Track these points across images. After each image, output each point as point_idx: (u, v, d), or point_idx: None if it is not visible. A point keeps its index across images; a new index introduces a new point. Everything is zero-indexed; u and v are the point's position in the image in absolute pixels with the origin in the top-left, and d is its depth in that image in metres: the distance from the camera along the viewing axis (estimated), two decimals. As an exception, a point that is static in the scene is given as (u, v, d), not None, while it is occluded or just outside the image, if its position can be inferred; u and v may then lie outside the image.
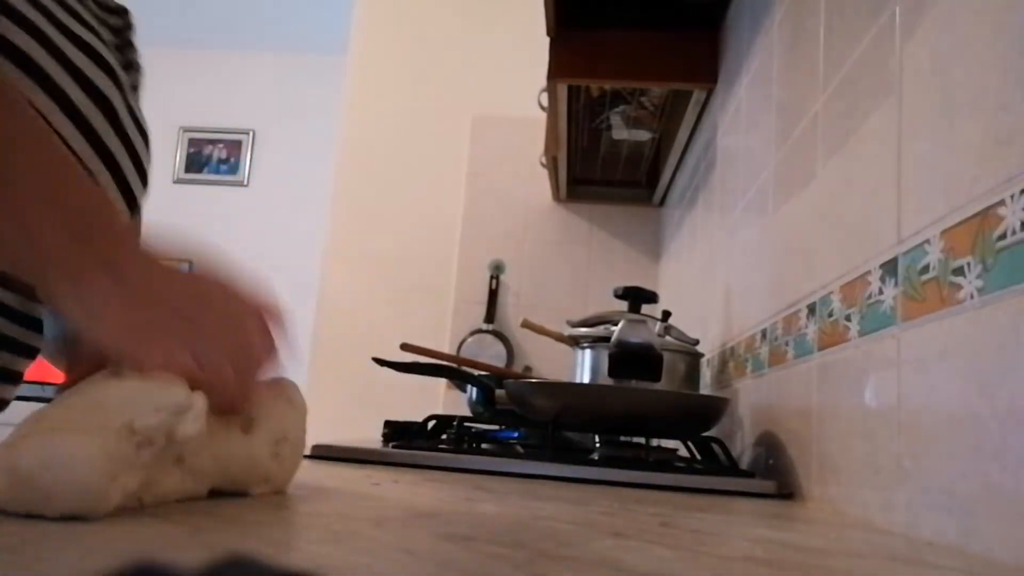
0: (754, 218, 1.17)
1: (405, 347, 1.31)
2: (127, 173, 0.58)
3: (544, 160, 2.16)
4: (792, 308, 0.92)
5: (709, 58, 1.57)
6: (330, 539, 0.33)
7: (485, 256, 2.46)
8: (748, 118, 1.28)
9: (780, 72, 1.09)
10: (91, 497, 0.33)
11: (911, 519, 0.58)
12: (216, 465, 0.41)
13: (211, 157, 4.13)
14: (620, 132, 1.96)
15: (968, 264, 0.52)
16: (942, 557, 0.47)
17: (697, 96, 1.64)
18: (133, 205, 0.60)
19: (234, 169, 4.12)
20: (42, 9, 0.52)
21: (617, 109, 1.85)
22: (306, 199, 3.90)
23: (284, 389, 0.48)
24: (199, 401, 0.37)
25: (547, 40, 1.59)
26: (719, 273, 1.43)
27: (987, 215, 0.50)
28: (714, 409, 1.05)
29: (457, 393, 2.19)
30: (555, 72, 1.60)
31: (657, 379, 1.10)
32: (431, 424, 1.24)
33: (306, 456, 0.92)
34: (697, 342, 1.23)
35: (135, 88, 0.71)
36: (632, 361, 1.10)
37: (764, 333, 1.05)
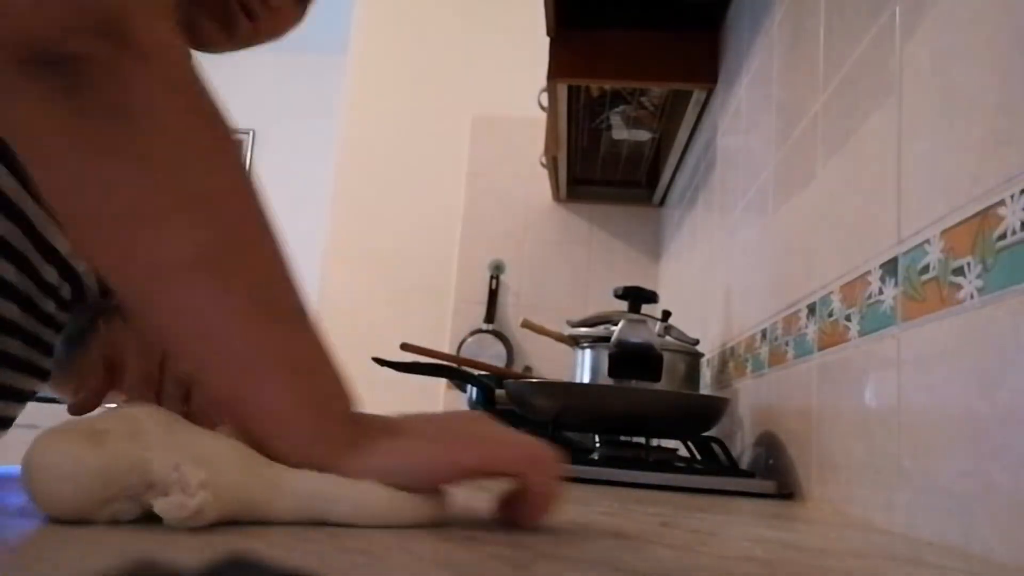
0: (754, 218, 1.17)
1: (405, 347, 1.31)
2: None
3: (544, 160, 2.16)
4: (792, 308, 0.92)
5: (709, 58, 1.57)
6: (330, 539, 0.33)
7: (485, 256, 2.46)
8: (748, 118, 1.28)
9: (780, 72, 1.09)
10: (73, 510, 0.33)
11: (911, 519, 0.58)
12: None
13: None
14: (620, 132, 1.96)
15: (968, 264, 0.52)
16: (942, 557, 0.47)
17: (697, 96, 1.64)
18: None
19: (234, 169, 4.12)
20: None
21: (617, 109, 1.85)
22: (306, 199, 3.89)
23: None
24: (197, 500, 0.33)
25: (547, 40, 1.59)
26: (719, 273, 1.43)
27: (987, 215, 0.50)
28: (714, 409, 1.05)
29: (457, 393, 2.19)
30: (555, 72, 1.60)
31: (657, 379, 1.10)
32: (431, 424, 1.24)
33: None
34: (697, 342, 1.23)
35: None
36: (632, 361, 1.10)
37: (764, 333, 1.05)
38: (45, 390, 0.63)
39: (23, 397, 0.60)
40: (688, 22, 1.57)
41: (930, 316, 0.57)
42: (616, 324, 1.13)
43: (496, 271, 2.45)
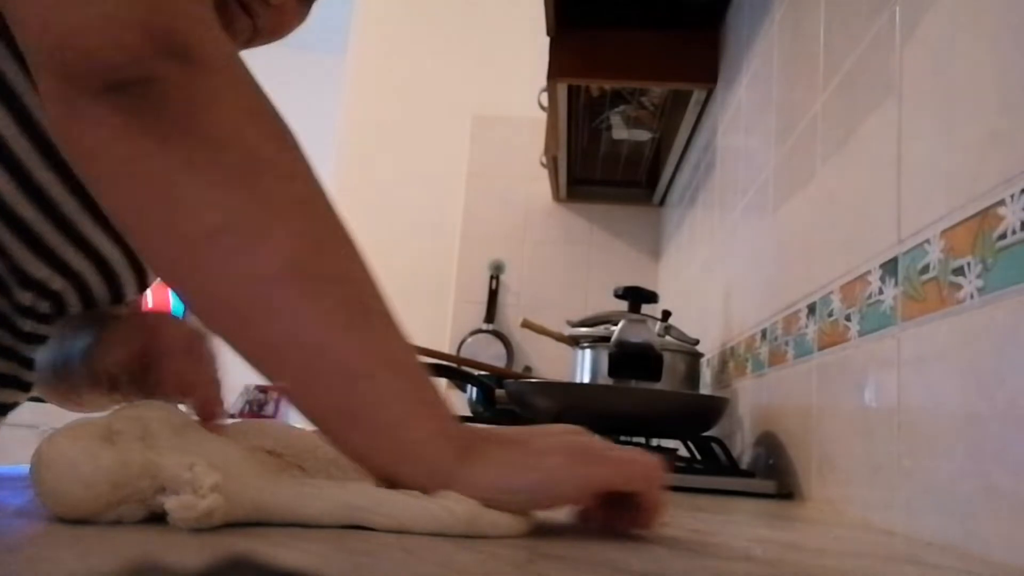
0: (754, 218, 1.17)
1: (405, 347, 1.31)
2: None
3: (544, 160, 2.16)
4: (792, 308, 0.92)
5: (709, 58, 1.57)
6: (330, 539, 0.33)
7: (485, 256, 2.46)
8: (748, 118, 1.28)
9: (780, 72, 1.09)
10: (82, 509, 0.33)
11: (911, 519, 0.58)
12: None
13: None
14: (620, 132, 1.96)
15: (968, 264, 0.52)
16: (942, 557, 0.47)
17: (697, 96, 1.64)
18: (142, 280, 0.60)
19: (234, 169, 4.12)
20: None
21: (617, 109, 1.85)
22: (306, 199, 3.89)
23: None
24: (207, 502, 0.32)
25: (547, 40, 1.59)
26: (719, 273, 1.43)
27: (987, 215, 0.50)
28: (714, 409, 1.05)
29: (457, 393, 2.19)
30: (555, 72, 1.60)
31: (657, 379, 1.10)
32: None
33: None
34: (697, 342, 1.23)
35: None
36: (632, 361, 1.10)
37: (764, 333, 1.05)
38: (22, 401, 0.63)
39: (4, 410, 0.60)
40: (688, 22, 1.57)
41: (930, 316, 0.57)
42: (616, 324, 1.13)
43: (496, 271, 2.45)
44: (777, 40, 1.11)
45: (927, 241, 0.58)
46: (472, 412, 1.41)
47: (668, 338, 1.16)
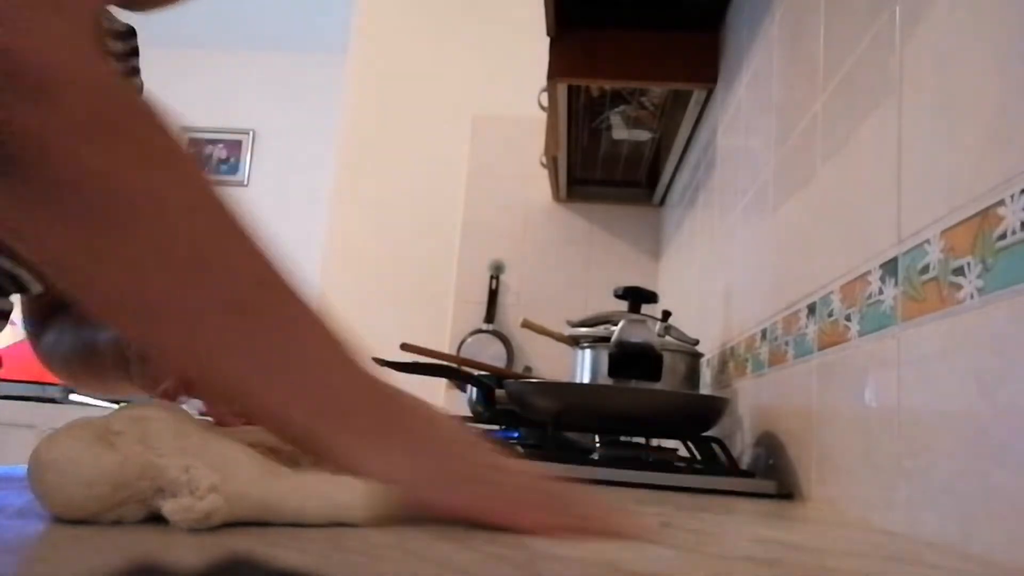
0: (754, 218, 1.17)
1: (405, 347, 1.31)
2: None
3: (544, 160, 2.16)
4: (792, 308, 0.92)
5: (709, 58, 1.57)
6: (330, 539, 0.33)
7: (485, 256, 2.46)
8: (748, 118, 1.28)
9: (780, 72, 1.09)
10: (82, 510, 0.33)
11: (911, 519, 0.58)
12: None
13: (211, 157, 4.13)
14: (620, 132, 1.96)
15: (968, 264, 0.52)
16: (942, 557, 0.47)
17: (697, 96, 1.64)
18: None
19: (234, 169, 4.12)
20: None
21: (617, 109, 1.84)
22: (306, 199, 3.90)
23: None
24: (206, 503, 0.33)
25: (547, 40, 1.59)
26: (719, 273, 1.43)
27: (987, 215, 0.50)
28: (714, 409, 1.05)
29: (457, 393, 2.19)
30: (555, 72, 1.60)
31: (657, 379, 1.10)
32: (431, 424, 1.24)
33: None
34: (697, 342, 1.23)
35: None
36: (632, 361, 1.10)
37: (764, 333, 1.05)
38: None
39: None
40: (688, 22, 1.57)
41: (930, 316, 0.57)
42: (616, 324, 1.13)
43: (496, 271, 2.45)
44: (777, 40, 1.11)
45: (927, 241, 0.58)
46: (472, 412, 1.41)
47: (668, 338, 1.16)
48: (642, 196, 2.40)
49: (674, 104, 1.80)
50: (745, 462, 1.08)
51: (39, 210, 0.35)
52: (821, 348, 0.82)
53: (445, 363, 1.37)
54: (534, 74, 1.79)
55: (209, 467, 0.34)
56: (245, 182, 4.10)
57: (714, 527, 0.54)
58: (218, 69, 4.13)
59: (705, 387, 1.38)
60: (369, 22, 2.73)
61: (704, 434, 1.05)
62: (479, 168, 2.53)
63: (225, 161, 4.12)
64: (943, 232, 0.56)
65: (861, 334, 0.71)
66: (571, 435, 1.19)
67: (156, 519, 0.34)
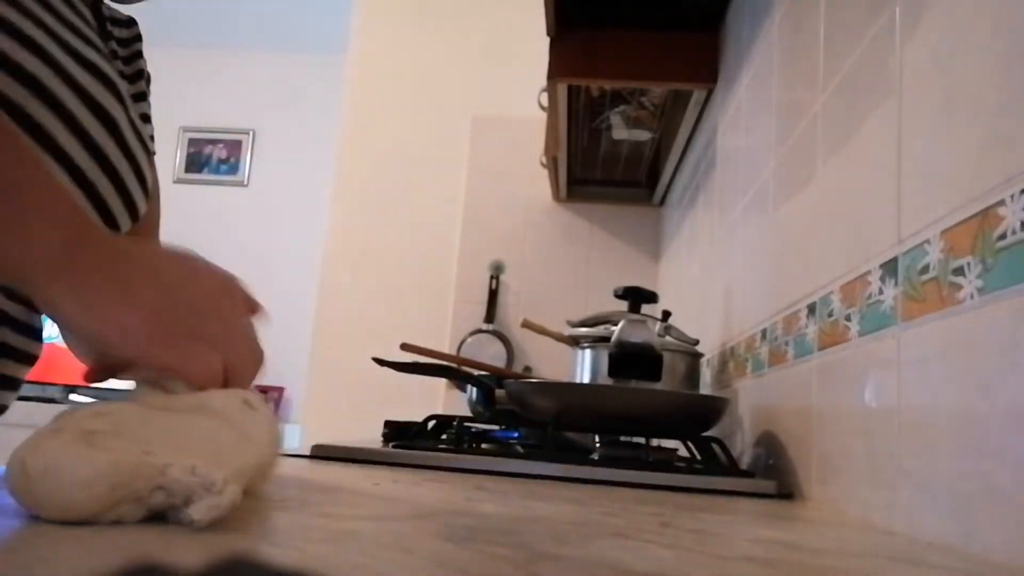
0: (754, 218, 1.17)
1: (405, 347, 1.31)
2: (128, 183, 0.60)
3: (544, 160, 2.16)
4: (792, 308, 0.92)
5: (709, 58, 1.57)
6: (330, 539, 0.33)
7: (485, 256, 2.46)
8: (748, 118, 1.28)
9: (780, 72, 1.09)
10: (81, 514, 0.33)
11: (911, 519, 0.58)
12: None
13: (211, 157, 4.13)
14: (620, 132, 1.96)
15: (968, 264, 0.52)
16: (942, 557, 0.47)
17: (697, 96, 1.64)
18: (134, 212, 0.62)
19: (234, 169, 4.12)
20: (46, 29, 0.53)
21: (617, 109, 1.85)
22: (306, 199, 3.90)
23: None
24: (228, 497, 0.33)
25: (547, 40, 1.59)
26: (719, 273, 1.43)
27: (987, 215, 0.50)
28: (714, 409, 1.05)
29: (457, 393, 2.19)
30: (555, 72, 1.60)
31: (657, 379, 1.10)
32: (431, 424, 1.24)
33: (306, 456, 0.92)
34: (697, 342, 1.23)
35: (144, 96, 0.73)
36: (632, 361, 1.10)
37: (764, 333, 1.05)
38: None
39: (15, 384, 0.61)
40: (688, 22, 1.57)
41: (930, 316, 0.57)
42: (616, 324, 1.13)
43: (496, 271, 2.45)
44: (777, 40, 1.11)
45: (927, 241, 0.58)
46: (472, 412, 1.41)
47: (668, 338, 1.16)
48: (642, 196, 2.40)
49: (674, 104, 1.80)
50: (745, 462, 1.08)
51: None
52: (821, 348, 0.82)
53: (445, 363, 1.37)
54: (534, 74, 1.79)
55: (191, 453, 0.35)
56: (245, 182, 4.10)
57: (714, 527, 0.54)
58: (218, 69, 4.13)
59: (705, 387, 1.38)
60: (369, 22, 2.73)
61: (704, 434, 1.05)
62: (479, 168, 2.53)
63: (225, 161, 4.12)
64: (943, 232, 0.56)
65: (861, 334, 0.71)
66: (571, 435, 1.19)
67: (156, 519, 0.34)
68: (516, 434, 1.26)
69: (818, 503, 0.80)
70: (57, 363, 1.95)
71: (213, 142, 4.13)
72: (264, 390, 3.62)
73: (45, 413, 0.69)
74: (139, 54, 0.74)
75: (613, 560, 0.34)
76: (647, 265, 2.41)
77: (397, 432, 1.26)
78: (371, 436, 1.31)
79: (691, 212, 1.84)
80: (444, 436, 1.20)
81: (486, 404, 1.36)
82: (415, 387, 2.06)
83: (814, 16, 0.93)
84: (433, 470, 0.87)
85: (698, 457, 1.07)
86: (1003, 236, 0.48)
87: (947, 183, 0.56)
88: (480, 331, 2.40)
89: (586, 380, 1.16)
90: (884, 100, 0.69)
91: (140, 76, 0.73)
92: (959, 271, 0.53)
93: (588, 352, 1.18)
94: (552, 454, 0.94)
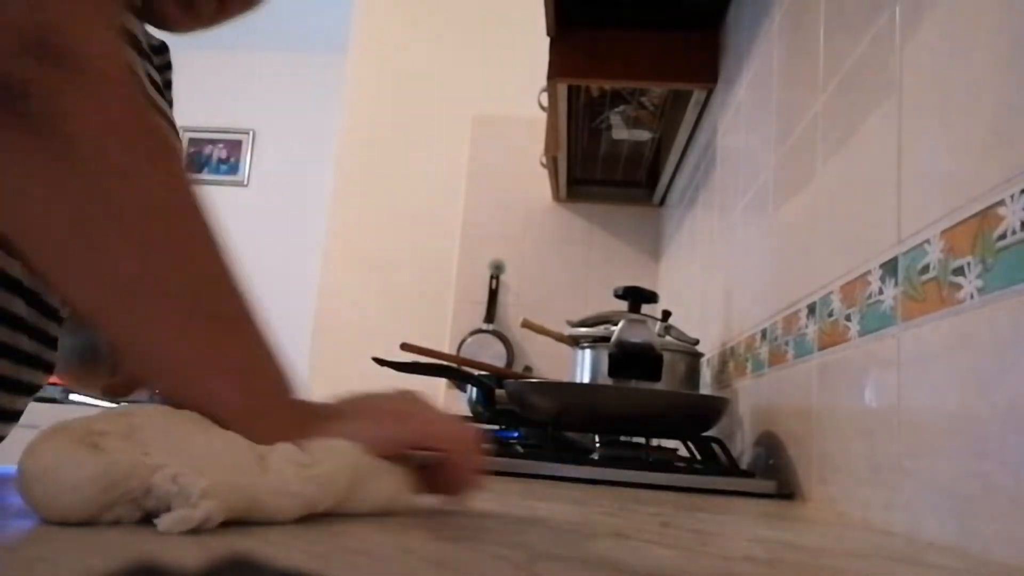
0: (754, 218, 1.17)
1: (405, 347, 1.31)
2: None
3: (544, 160, 2.16)
4: (792, 308, 0.92)
5: (709, 58, 1.57)
6: (330, 539, 0.33)
7: (485, 256, 2.46)
8: (748, 118, 1.28)
9: (780, 72, 1.09)
10: (74, 516, 0.33)
11: (911, 519, 0.58)
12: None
13: (211, 157, 4.13)
14: (620, 132, 1.96)
15: (968, 264, 0.52)
16: (942, 557, 0.47)
17: (697, 96, 1.64)
18: None
19: (234, 169, 4.12)
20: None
21: (617, 109, 1.85)
22: (306, 199, 3.90)
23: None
24: (201, 511, 0.32)
25: (547, 40, 1.59)
26: (719, 273, 1.43)
27: (987, 215, 0.50)
28: (714, 409, 1.05)
29: (457, 393, 2.19)
30: (555, 72, 1.60)
31: (657, 379, 1.10)
32: (431, 424, 1.24)
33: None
34: (697, 342, 1.23)
35: (174, 126, 0.73)
36: (632, 361, 1.10)
37: (764, 333, 1.05)
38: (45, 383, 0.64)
39: (31, 390, 0.61)
40: (688, 22, 1.57)
41: (930, 316, 0.57)
42: (616, 324, 1.13)
43: (496, 271, 2.45)
44: (777, 40, 1.11)
45: (927, 241, 0.58)
46: (472, 412, 1.41)
47: (668, 338, 1.16)
48: (642, 196, 2.40)
49: (674, 104, 1.80)
50: (745, 462, 1.08)
51: (42, 170, 0.37)
52: (821, 348, 0.82)
53: (445, 363, 1.37)
54: (534, 74, 1.79)
55: (195, 463, 0.34)
56: (245, 182, 4.10)
57: (714, 527, 0.54)
58: (218, 69, 4.13)
59: (705, 387, 1.38)
60: (369, 22, 2.73)
61: (704, 434, 1.05)
62: (479, 168, 2.53)
63: (225, 161, 4.12)
64: (943, 232, 0.56)
65: (861, 334, 0.71)
66: (571, 435, 1.19)
67: (154, 518, 0.33)
68: (516, 434, 1.26)
69: (818, 503, 0.80)
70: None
71: (213, 142, 4.13)
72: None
73: (46, 413, 0.69)
74: (169, 84, 0.73)
75: (613, 560, 0.34)
76: (647, 265, 2.41)
77: (397, 432, 1.25)
78: (371, 436, 1.31)
79: (691, 212, 1.84)
80: (444, 436, 1.20)
81: (486, 404, 1.36)
82: (415, 387, 2.06)
83: (814, 16, 0.93)
84: (433, 470, 0.87)
85: (698, 457, 1.07)
86: (1003, 236, 0.48)
87: (947, 183, 0.56)
88: (480, 331, 2.40)
89: (586, 380, 1.16)
90: (884, 100, 0.69)
91: (170, 106, 0.73)
92: (959, 271, 0.53)
93: (588, 352, 1.18)
94: (552, 454, 0.94)
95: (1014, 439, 0.45)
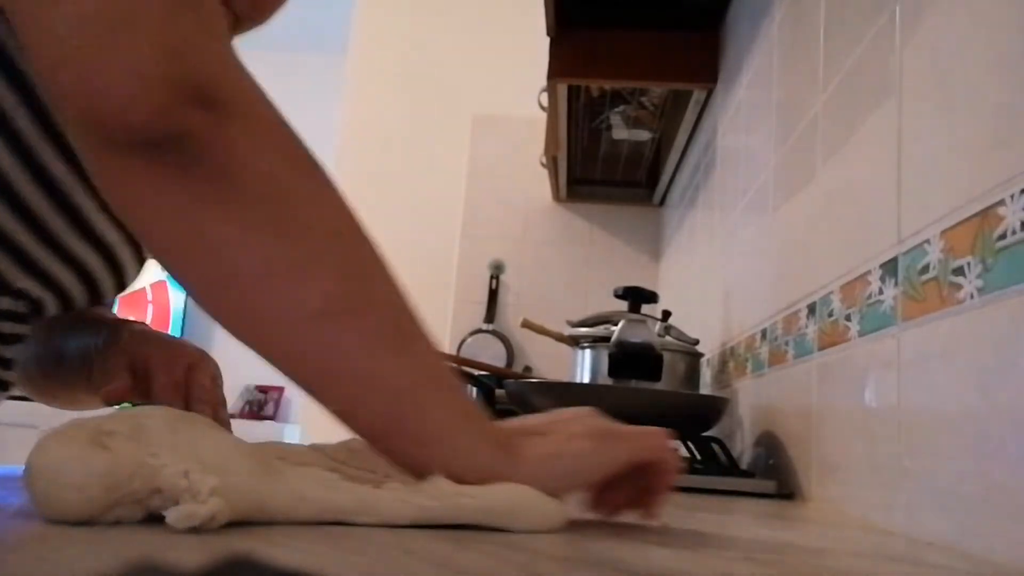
0: (754, 218, 1.17)
1: (405, 347, 1.31)
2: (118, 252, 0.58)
3: (544, 160, 2.16)
4: (792, 308, 0.92)
5: (709, 58, 1.57)
6: (330, 539, 0.33)
7: (485, 256, 2.46)
8: (748, 118, 1.28)
9: (780, 72, 1.09)
10: (77, 514, 0.33)
11: (911, 519, 0.58)
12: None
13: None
14: (620, 132, 1.96)
15: (968, 264, 0.52)
16: (942, 557, 0.47)
17: (697, 96, 1.64)
18: (121, 286, 0.61)
19: (234, 169, 4.12)
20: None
21: (617, 109, 1.85)
22: (306, 199, 3.89)
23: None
24: (208, 508, 0.32)
25: (547, 40, 1.59)
26: (719, 273, 1.43)
27: (987, 215, 0.50)
28: (714, 409, 1.05)
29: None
30: (555, 72, 1.60)
31: (657, 379, 1.10)
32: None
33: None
34: (697, 342, 1.23)
35: None
36: (632, 361, 1.10)
37: (764, 333, 1.05)
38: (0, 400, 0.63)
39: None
40: (688, 22, 1.57)
41: (930, 316, 0.57)
42: (616, 324, 1.13)
43: (496, 271, 2.45)
44: (777, 40, 1.11)
45: (927, 241, 0.58)
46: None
47: (668, 338, 1.16)
48: (642, 196, 2.40)
49: (674, 104, 1.80)
50: (745, 462, 1.08)
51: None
52: (821, 348, 0.82)
53: (445, 363, 1.37)
54: (534, 74, 1.79)
55: (202, 464, 0.34)
56: (245, 182, 4.10)
57: (714, 527, 0.54)
58: (218, 69, 4.12)
59: (705, 387, 1.38)
60: (369, 22, 2.73)
61: (704, 434, 1.05)
62: (479, 168, 2.53)
63: (225, 161, 4.12)
64: (943, 232, 0.56)
65: (861, 334, 0.71)
66: (571, 435, 1.18)
67: (156, 519, 0.33)
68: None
69: (818, 503, 0.80)
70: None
71: (213, 142, 4.13)
72: (264, 390, 3.63)
73: (46, 413, 0.69)
74: None
75: (613, 560, 0.34)
76: (647, 265, 2.41)
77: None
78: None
79: (691, 212, 1.84)
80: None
81: (486, 404, 1.36)
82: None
83: (814, 16, 0.93)
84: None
85: (698, 457, 1.07)
86: (1003, 236, 0.48)
87: (947, 183, 0.56)
88: (480, 331, 2.40)
89: (586, 380, 1.16)
90: (884, 100, 0.69)
91: None
92: (959, 271, 0.53)
93: (588, 352, 1.18)
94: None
95: (1014, 439, 0.45)
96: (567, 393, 1.05)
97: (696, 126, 1.76)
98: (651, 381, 1.09)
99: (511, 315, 2.39)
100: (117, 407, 0.59)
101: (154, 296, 3.50)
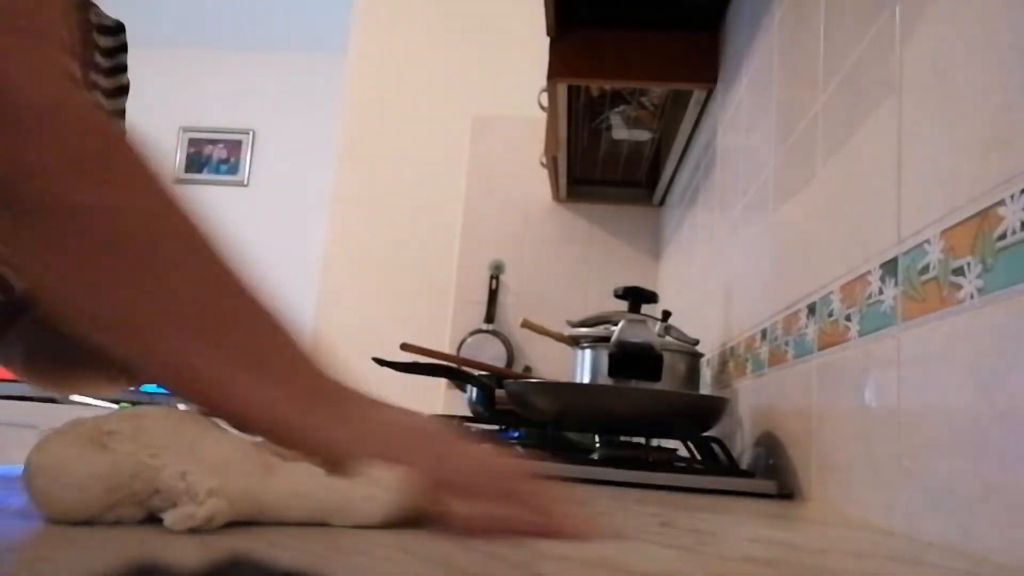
0: (754, 218, 1.17)
1: (405, 347, 1.31)
2: None
3: (544, 160, 2.16)
4: (792, 308, 0.92)
5: (709, 58, 1.57)
6: (330, 539, 0.33)
7: (485, 256, 2.46)
8: (748, 118, 1.28)
9: (780, 72, 1.09)
10: (77, 514, 0.33)
11: (911, 519, 0.58)
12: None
13: (211, 157, 4.13)
14: (620, 132, 1.96)
15: (968, 264, 0.52)
16: (942, 557, 0.47)
17: (697, 96, 1.64)
18: None
19: (234, 169, 4.12)
20: None
21: (617, 109, 1.85)
22: (306, 199, 3.89)
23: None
24: (206, 509, 0.33)
25: (547, 40, 1.59)
26: (719, 273, 1.43)
27: (987, 215, 0.50)
28: (714, 409, 1.05)
29: (457, 393, 2.19)
30: (555, 72, 1.60)
31: (657, 379, 1.10)
32: (431, 424, 1.24)
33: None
34: (697, 342, 1.23)
35: (124, 113, 0.71)
36: (632, 361, 1.10)
37: (764, 333, 1.05)
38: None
39: None
40: (688, 22, 1.57)
41: (930, 316, 0.57)
42: (616, 324, 1.13)
43: (496, 271, 2.45)
44: (777, 40, 1.11)
45: (927, 241, 0.58)
46: (472, 412, 1.41)
47: (668, 338, 1.16)
48: (642, 196, 2.40)
49: (674, 104, 1.80)
50: (745, 462, 1.08)
51: (25, 234, 0.37)
52: (821, 348, 0.82)
53: (445, 363, 1.37)
54: (534, 74, 1.79)
55: (202, 465, 0.34)
56: (245, 182, 4.10)
57: (714, 527, 0.54)
58: (218, 69, 4.13)
59: (705, 387, 1.38)
60: (369, 22, 2.72)
61: (704, 434, 1.05)
62: (479, 168, 2.53)
63: (225, 161, 4.12)
64: (943, 232, 0.56)
65: (861, 334, 0.71)
66: (571, 435, 1.19)
67: (156, 519, 0.34)
68: (516, 434, 1.26)
69: (818, 503, 0.80)
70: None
71: (213, 142, 4.13)
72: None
73: (46, 413, 0.69)
74: (123, 67, 0.70)
75: (613, 560, 0.34)
76: (647, 265, 2.41)
77: (397, 432, 1.25)
78: (371, 436, 1.31)
79: (691, 212, 1.84)
80: (444, 436, 1.20)
81: (486, 404, 1.36)
82: (415, 387, 2.06)
83: (814, 16, 0.93)
84: (433, 470, 0.87)
85: (698, 457, 1.07)
86: (1003, 236, 0.48)
87: (947, 183, 0.56)
88: (480, 331, 2.40)
89: (586, 380, 1.16)
90: (884, 100, 0.69)
91: (122, 92, 0.70)
92: (959, 271, 0.53)
93: (588, 352, 1.17)
94: (552, 454, 0.94)
95: (1014, 439, 0.45)
96: (567, 393, 1.05)
97: (696, 126, 1.76)
98: (651, 381, 1.09)
99: (511, 315, 2.39)
100: (117, 407, 0.59)
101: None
